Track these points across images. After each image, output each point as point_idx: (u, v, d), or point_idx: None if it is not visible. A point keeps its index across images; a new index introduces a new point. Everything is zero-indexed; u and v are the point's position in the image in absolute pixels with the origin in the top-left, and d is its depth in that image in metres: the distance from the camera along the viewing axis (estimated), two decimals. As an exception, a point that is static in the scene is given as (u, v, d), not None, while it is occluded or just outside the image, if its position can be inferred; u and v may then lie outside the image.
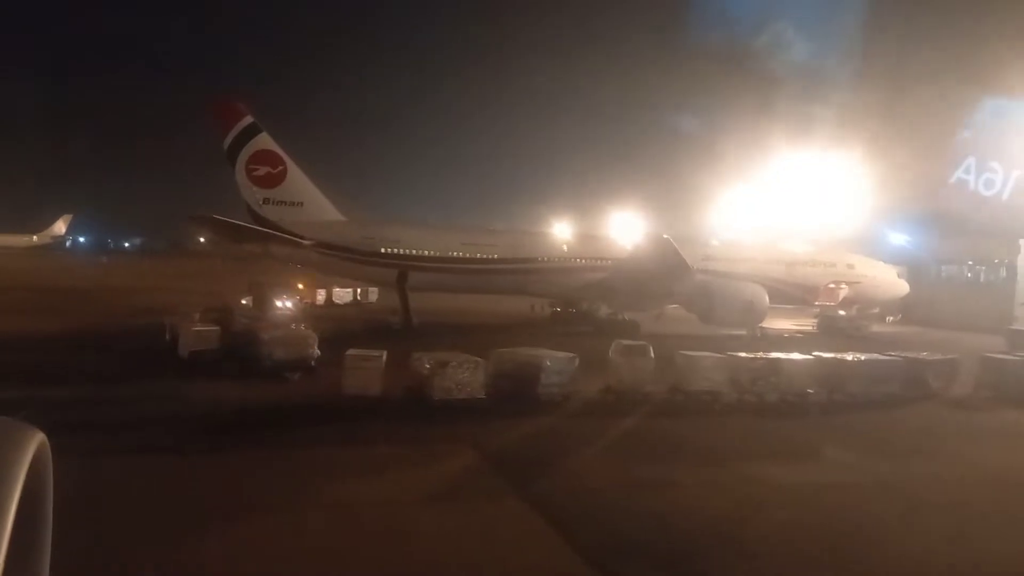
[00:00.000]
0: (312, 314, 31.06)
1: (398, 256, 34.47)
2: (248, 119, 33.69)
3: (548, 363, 17.38)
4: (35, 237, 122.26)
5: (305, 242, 33.27)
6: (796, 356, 19.92)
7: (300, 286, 36.78)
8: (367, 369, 16.15)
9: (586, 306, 39.03)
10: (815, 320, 41.21)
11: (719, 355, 19.25)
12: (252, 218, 33.65)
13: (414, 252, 34.96)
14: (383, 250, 34.42)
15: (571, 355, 17.99)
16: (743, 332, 32.11)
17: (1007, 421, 18.07)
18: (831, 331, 38.67)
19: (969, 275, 50.04)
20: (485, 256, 35.92)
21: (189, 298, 34.14)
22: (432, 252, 35.28)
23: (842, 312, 40.38)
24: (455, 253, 35.60)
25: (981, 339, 33.60)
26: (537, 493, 10.85)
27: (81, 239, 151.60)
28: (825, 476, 12.69)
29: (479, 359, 16.92)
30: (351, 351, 16.51)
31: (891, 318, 50.72)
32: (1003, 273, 46.86)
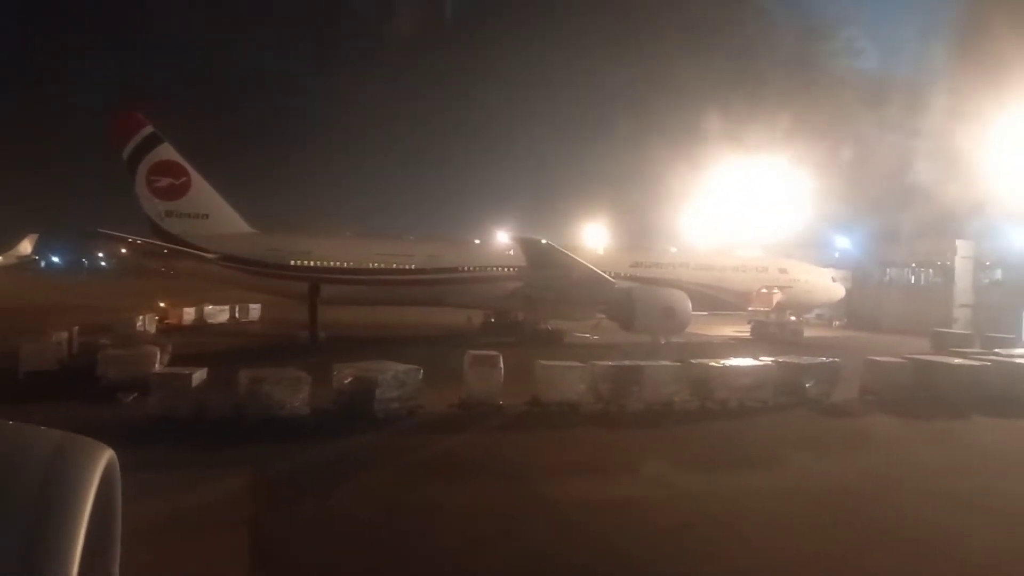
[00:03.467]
0: (190, 332, 29.79)
1: (309, 268, 33.53)
2: (148, 129, 32.75)
3: (383, 377, 16.43)
4: (0, 258, 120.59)
5: (209, 255, 32.28)
6: (662, 363, 19.07)
7: (161, 304, 34.52)
8: (175, 388, 15.16)
9: (522, 316, 38.11)
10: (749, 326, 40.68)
11: (579, 364, 18.39)
12: (154, 232, 32.66)
13: (326, 264, 34.03)
14: (292, 262, 33.48)
15: (414, 367, 17.08)
16: (648, 339, 31.21)
17: (869, 427, 17.26)
18: (764, 337, 38.06)
19: (912, 278, 49.44)
20: (402, 267, 35.01)
21: (113, 315, 33.08)
22: (345, 263, 34.35)
23: (774, 317, 39.87)
24: (370, 264, 34.66)
25: (919, 342, 33.01)
26: (273, 523, 9.95)
27: (55, 259, 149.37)
28: (620, 491, 11.78)
29: (304, 374, 15.98)
30: (157, 369, 15.54)
31: (837, 322, 50.24)
32: (943, 275, 46.31)
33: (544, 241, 30.11)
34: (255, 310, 41.16)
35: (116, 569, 1.84)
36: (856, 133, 50.79)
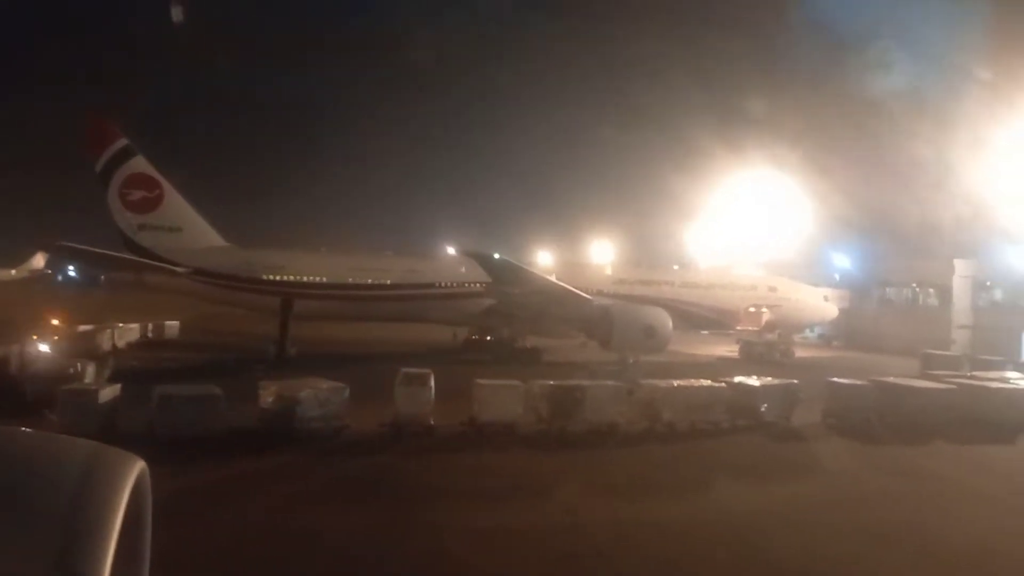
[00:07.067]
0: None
1: (282, 283, 33.02)
2: (122, 141, 32.49)
3: (304, 395, 15.81)
4: (13, 271, 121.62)
5: (179, 269, 31.88)
6: (605, 383, 18.31)
7: (54, 322, 28.71)
8: (81, 405, 14.63)
9: (507, 332, 37.36)
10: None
11: (517, 383, 17.67)
12: (126, 246, 32.34)
13: (300, 278, 33.54)
14: (265, 276, 32.99)
15: (340, 385, 16.45)
16: (617, 357, 30.31)
17: (817, 453, 16.40)
18: (751, 357, 37.03)
19: (910, 298, 48.24)
20: (377, 282, 34.45)
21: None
22: (320, 278, 33.85)
23: (767, 336, 38.83)
24: (345, 279, 34.12)
25: (913, 363, 31.96)
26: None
27: (72, 272, 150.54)
28: (518, 519, 11.03)
29: (218, 391, 15.38)
30: (66, 386, 15.03)
31: (835, 343, 49.06)
32: (941, 295, 45.11)
33: (497, 256, 29.42)
34: (172, 328, 36.59)
35: None
36: (857, 151, 49.90)
